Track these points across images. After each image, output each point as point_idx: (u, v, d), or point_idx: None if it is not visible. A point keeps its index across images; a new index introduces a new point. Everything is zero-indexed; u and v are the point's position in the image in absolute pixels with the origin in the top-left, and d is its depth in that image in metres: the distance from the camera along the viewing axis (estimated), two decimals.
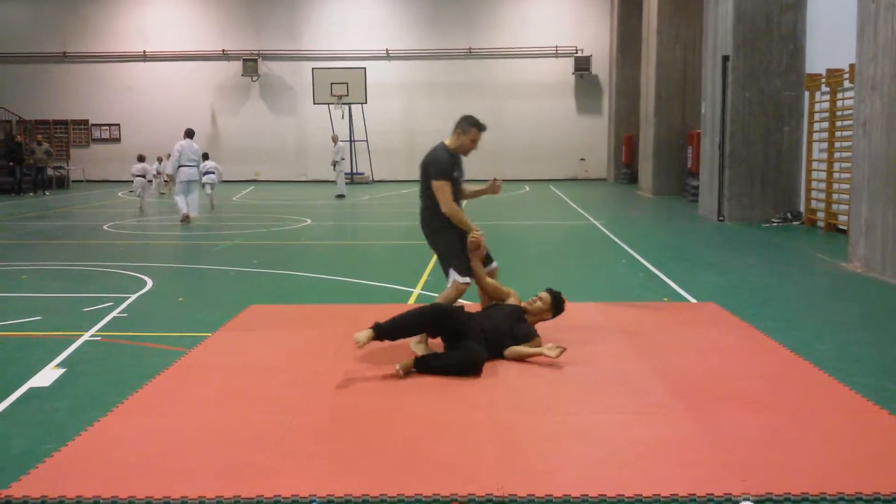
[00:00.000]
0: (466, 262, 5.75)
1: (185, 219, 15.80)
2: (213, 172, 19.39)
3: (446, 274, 5.80)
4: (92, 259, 10.67)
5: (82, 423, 4.30)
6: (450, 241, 5.77)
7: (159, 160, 24.32)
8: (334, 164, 22.96)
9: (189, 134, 16.22)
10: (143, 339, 6.26)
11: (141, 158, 19.95)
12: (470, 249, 5.74)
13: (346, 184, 26.65)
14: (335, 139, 23.50)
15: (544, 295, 5.79)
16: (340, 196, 22.43)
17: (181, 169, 15.77)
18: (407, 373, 5.07)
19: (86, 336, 6.29)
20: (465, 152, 5.81)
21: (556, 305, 5.81)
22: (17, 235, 13.89)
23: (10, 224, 16.00)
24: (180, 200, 15.89)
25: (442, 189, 5.62)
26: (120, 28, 31.56)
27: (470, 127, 5.71)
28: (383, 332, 5.11)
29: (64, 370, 5.36)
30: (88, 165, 31.32)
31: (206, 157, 19.13)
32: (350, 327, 6.35)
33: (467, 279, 5.73)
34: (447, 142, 5.79)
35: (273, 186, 28.30)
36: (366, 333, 5.03)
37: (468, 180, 6.13)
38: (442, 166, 5.65)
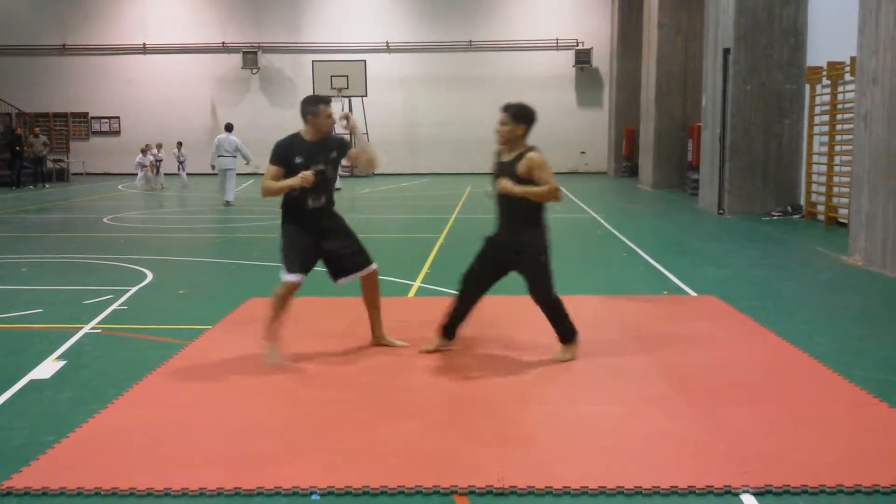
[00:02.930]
0: (296, 259, 5.32)
1: (227, 204, 17.67)
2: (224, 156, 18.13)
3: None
4: (92, 252, 10.67)
5: (83, 415, 4.30)
6: (284, 235, 5.42)
7: (143, 152, 24.36)
8: None
9: (228, 128, 18.25)
10: (144, 331, 6.26)
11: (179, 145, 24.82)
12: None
13: (345, 177, 26.57)
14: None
15: (502, 117, 5.14)
16: (337, 189, 22.39)
17: (218, 159, 17.82)
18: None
19: (86, 328, 6.30)
20: (329, 132, 5.43)
21: (519, 115, 5.12)
22: (17, 228, 13.89)
23: (10, 217, 16.00)
24: (222, 187, 17.99)
25: (266, 173, 5.29)
26: (120, 20, 31.47)
27: (316, 106, 5.35)
28: (449, 331, 5.45)
29: (64, 362, 5.37)
30: (88, 158, 31.25)
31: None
32: (351, 320, 6.36)
33: (293, 277, 5.27)
34: (302, 131, 5.42)
35: None
36: (435, 343, 5.46)
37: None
38: (275, 152, 5.32)
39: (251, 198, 20.69)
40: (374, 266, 5.57)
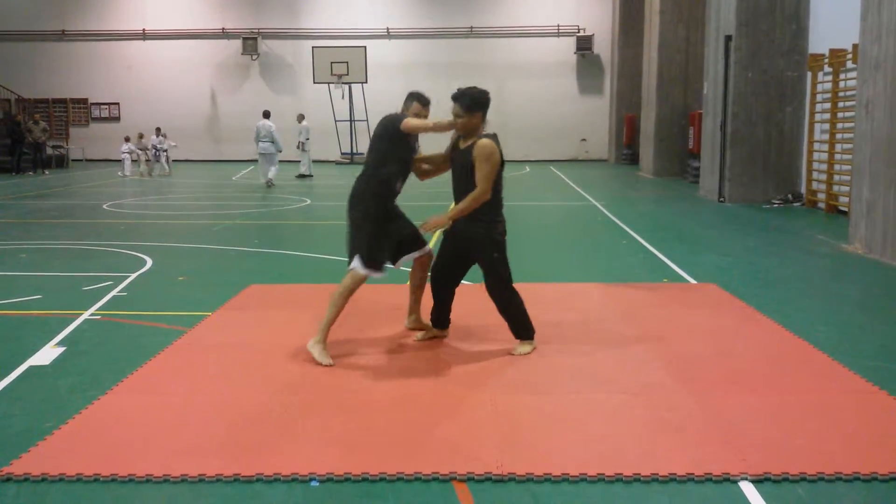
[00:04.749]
0: (385, 255, 5.20)
1: (268, 184, 18.86)
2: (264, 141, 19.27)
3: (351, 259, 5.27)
4: (92, 238, 10.66)
5: (82, 401, 4.31)
6: (371, 226, 5.15)
7: (140, 136, 24.63)
8: (300, 144, 22.91)
9: (266, 115, 19.51)
10: (143, 318, 6.26)
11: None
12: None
13: (347, 164, 26.55)
14: (300, 118, 23.47)
15: (455, 107, 5.03)
16: (307, 175, 22.38)
17: (259, 144, 19.04)
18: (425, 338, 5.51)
19: (86, 315, 6.29)
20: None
21: (473, 105, 5.00)
22: (16, 214, 13.87)
23: (9, 203, 15.98)
24: (261, 171, 19.32)
25: (412, 120, 5.12)
26: (119, 6, 31.33)
27: (411, 101, 5.28)
28: (439, 322, 5.53)
29: (64, 349, 5.37)
30: (88, 144, 31.18)
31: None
32: (350, 307, 6.34)
33: (377, 274, 5.17)
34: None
35: None
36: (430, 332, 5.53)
37: None
38: (402, 117, 5.20)
39: (250, 184, 20.67)
40: (430, 247, 5.57)
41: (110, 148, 31.19)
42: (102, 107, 31.90)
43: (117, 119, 31.71)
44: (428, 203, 15.86)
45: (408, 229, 5.43)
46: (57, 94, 31.57)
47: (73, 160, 29.41)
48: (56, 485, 3.37)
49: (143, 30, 31.29)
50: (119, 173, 23.72)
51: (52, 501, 3.25)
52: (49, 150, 27.02)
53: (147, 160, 24.56)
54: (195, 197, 17.10)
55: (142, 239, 10.55)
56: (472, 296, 6.84)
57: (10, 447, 3.72)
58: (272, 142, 19.02)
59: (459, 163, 5.12)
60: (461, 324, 5.86)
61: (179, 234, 11.40)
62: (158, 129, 25.12)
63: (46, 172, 25.16)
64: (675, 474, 3.39)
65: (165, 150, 24.90)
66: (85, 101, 31.87)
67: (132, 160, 24.11)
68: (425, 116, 5.29)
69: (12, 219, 13.24)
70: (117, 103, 31.81)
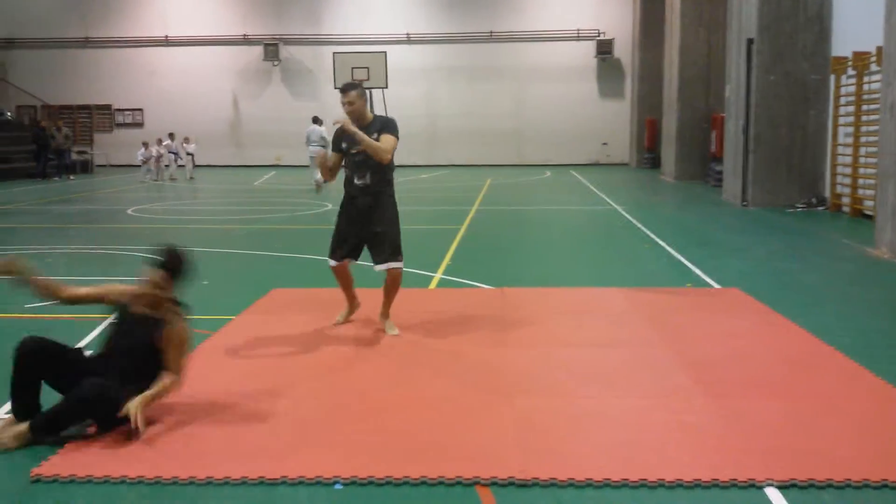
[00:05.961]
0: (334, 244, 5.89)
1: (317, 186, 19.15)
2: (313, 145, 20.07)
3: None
4: (116, 242, 10.76)
5: None
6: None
7: (159, 142, 25.10)
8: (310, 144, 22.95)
9: (315, 120, 20.47)
10: None
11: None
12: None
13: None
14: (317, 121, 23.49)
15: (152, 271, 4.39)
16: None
17: (309, 147, 19.86)
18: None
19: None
20: (353, 119, 5.76)
21: (173, 269, 4.52)
22: (42, 219, 14.04)
23: (35, 208, 16.17)
24: (315, 173, 19.00)
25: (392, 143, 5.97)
26: (142, 13, 31.66)
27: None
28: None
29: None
30: (112, 150, 31.52)
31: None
32: (373, 311, 6.37)
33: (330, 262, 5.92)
34: None
35: (294, 171, 28.36)
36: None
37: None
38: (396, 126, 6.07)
39: (272, 189, 20.81)
40: (393, 265, 5.78)
41: (135, 153, 31.48)
42: (126, 113, 32.22)
43: (141, 125, 31.99)
44: (452, 207, 15.85)
45: (374, 238, 5.87)
46: (81, 100, 31.92)
47: (97, 166, 29.72)
48: (84, 486, 3.41)
49: (166, 36, 31.59)
50: (146, 176, 24.12)
51: (80, 502, 3.30)
52: (74, 156, 27.36)
53: (168, 165, 24.93)
54: (218, 202, 17.21)
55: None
56: (479, 298, 6.85)
57: (39, 449, 3.77)
58: (323, 146, 19.52)
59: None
60: (473, 326, 5.87)
61: (202, 239, 11.48)
62: (172, 135, 25.43)
63: (72, 178, 25.48)
64: (699, 480, 3.38)
65: (191, 155, 25.24)
66: (109, 107, 32.21)
67: (150, 167, 24.52)
68: (345, 102, 5.72)
69: (38, 223, 13.40)
70: (141, 109, 32.12)
